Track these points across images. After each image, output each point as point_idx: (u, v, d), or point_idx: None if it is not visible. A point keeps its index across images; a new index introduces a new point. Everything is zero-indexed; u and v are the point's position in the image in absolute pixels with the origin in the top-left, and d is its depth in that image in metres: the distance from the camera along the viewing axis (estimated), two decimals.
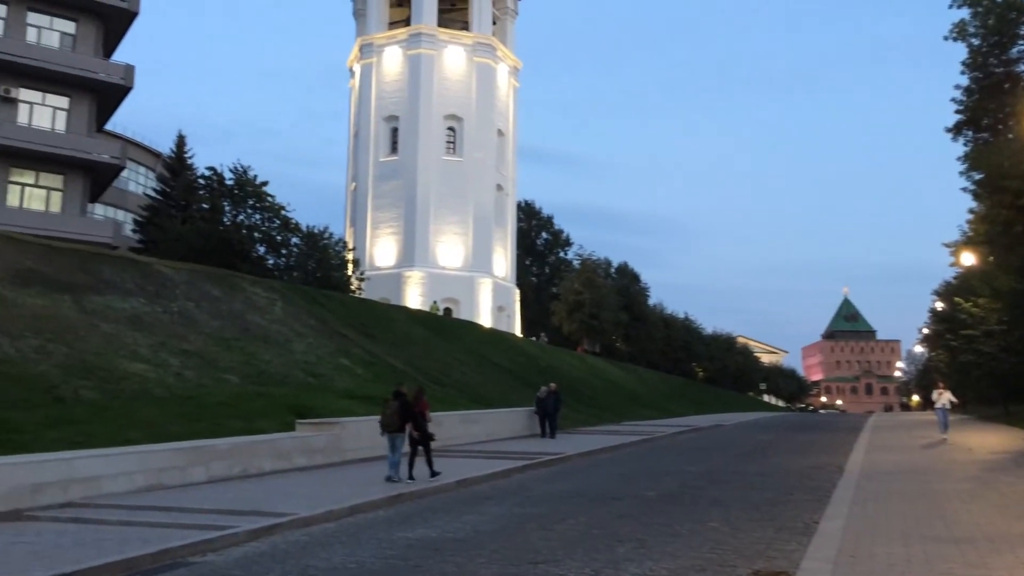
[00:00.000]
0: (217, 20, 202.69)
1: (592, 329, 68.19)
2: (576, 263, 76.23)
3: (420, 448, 16.24)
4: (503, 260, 65.08)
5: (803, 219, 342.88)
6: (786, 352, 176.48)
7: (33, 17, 36.88)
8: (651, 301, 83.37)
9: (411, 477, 15.72)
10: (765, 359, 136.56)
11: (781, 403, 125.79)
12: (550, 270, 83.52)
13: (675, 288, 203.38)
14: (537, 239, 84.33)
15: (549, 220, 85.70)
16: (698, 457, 22.00)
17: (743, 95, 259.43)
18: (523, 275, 74.09)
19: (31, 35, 36.80)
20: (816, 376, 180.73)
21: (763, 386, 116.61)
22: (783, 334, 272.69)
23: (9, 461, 12.44)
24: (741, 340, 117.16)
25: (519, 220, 74.12)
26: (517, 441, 25.94)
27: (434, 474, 15.88)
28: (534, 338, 68.75)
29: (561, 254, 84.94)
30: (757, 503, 13.23)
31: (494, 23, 66.86)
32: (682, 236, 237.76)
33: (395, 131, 63.26)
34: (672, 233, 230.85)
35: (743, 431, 35.06)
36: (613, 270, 79.66)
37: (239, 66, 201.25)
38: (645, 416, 45.23)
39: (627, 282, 78.30)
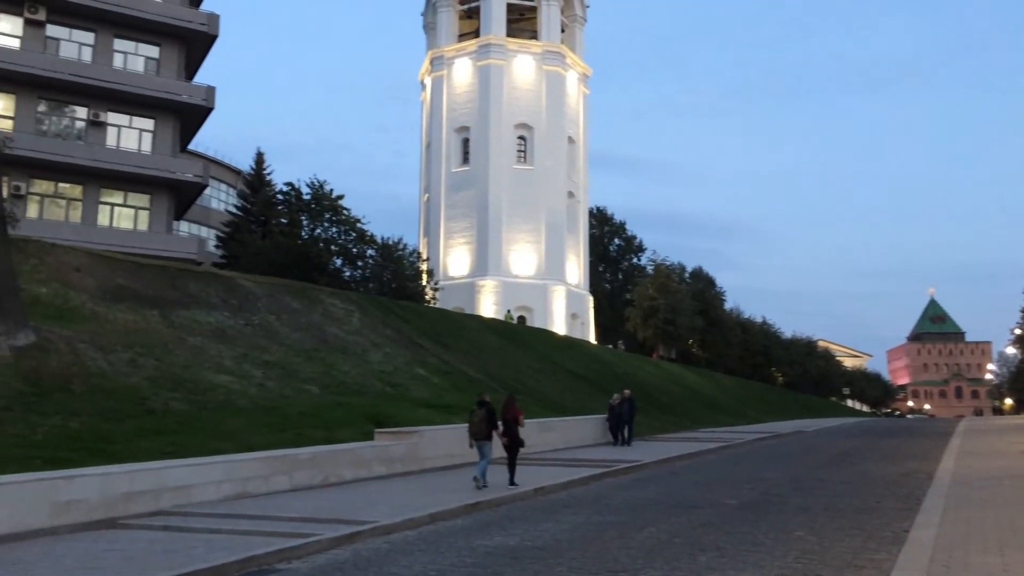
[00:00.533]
0: (292, 39, 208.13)
1: (667, 335, 67.44)
2: (650, 269, 75.57)
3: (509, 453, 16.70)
4: (576, 267, 64.95)
5: (883, 219, 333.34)
6: (870, 356, 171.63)
7: (120, 44, 38.46)
8: (727, 306, 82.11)
9: (512, 483, 16.09)
10: (848, 363, 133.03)
11: (865, 408, 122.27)
12: (623, 276, 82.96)
13: (752, 292, 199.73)
14: (610, 245, 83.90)
15: (621, 226, 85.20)
16: (780, 464, 21.53)
17: (817, 94, 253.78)
18: (596, 282, 73.78)
19: (118, 61, 38.38)
20: (902, 380, 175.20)
21: (846, 391, 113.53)
22: (866, 337, 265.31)
23: (104, 471, 12.93)
24: (822, 344, 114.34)
25: (591, 227, 73.87)
26: (593, 449, 25.82)
27: (512, 484, 16.10)
28: (613, 347, 68.29)
29: (634, 260, 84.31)
30: (843, 511, 12.88)
31: (563, 31, 66.93)
32: (758, 239, 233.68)
33: (466, 142, 63.83)
34: (747, 236, 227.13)
35: (826, 437, 34.18)
36: (687, 275, 78.70)
37: (313, 83, 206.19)
38: (723, 423, 44.49)
39: (702, 287, 77.25)
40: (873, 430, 40.38)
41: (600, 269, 79.69)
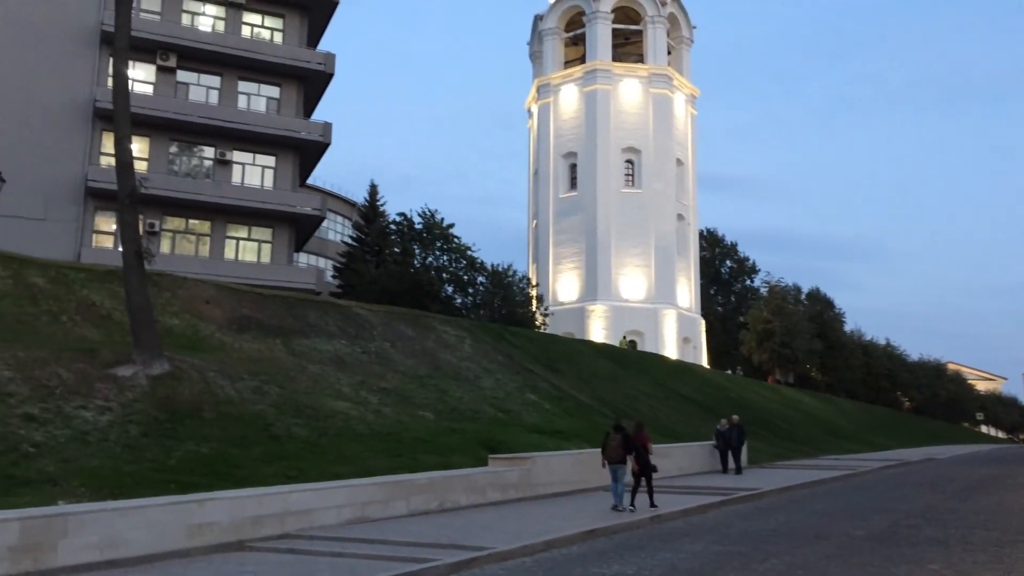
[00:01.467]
0: (402, 73, 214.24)
1: (784, 358, 65.50)
2: (763, 291, 73.71)
3: (642, 480, 17.11)
4: (687, 290, 64.01)
5: (1016, 232, 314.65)
6: (1004, 379, 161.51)
7: (243, 86, 40.50)
8: (847, 327, 79.15)
9: (632, 506, 16.60)
10: (981, 386, 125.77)
11: (1001, 435, 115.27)
12: (736, 299, 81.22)
13: (873, 313, 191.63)
14: (721, 268, 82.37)
15: (733, 248, 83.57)
16: (910, 493, 20.54)
17: (936, 105, 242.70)
18: (708, 305, 72.46)
19: (242, 102, 40.39)
20: None
21: (980, 416, 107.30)
22: (1001, 359, 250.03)
23: (233, 495, 13.50)
24: (952, 367, 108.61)
25: (702, 249, 72.75)
26: (707, 476, 25.26)
27: (653, 505, 16.72)
28: (727, 371, 66.84)
29: (747, 282, 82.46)
30: (982, 544, 12.18)
31: (669, 53, 66.56)
32: (878, 258, 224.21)
33: (573, 167, 64.08)
34: (866, 255, 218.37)
35: (959, 465, 32.40)
36: (804, 296, 76.37)
37: (422, 116, 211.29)
38: (847, 449, 42.77)
39: (820, 308, 74.79)
40: (1012, 457, 38.03)
41: (712, 292, 78.27)
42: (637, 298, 60.62)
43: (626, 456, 16.75)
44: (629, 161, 63.02)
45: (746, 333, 67.49)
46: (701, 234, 73.44)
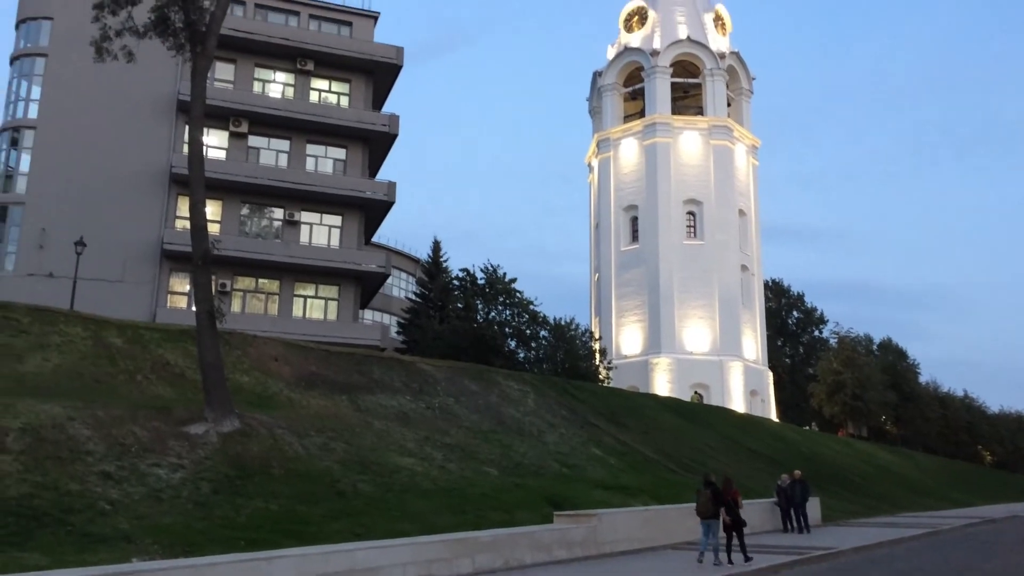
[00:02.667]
0: (462, 130, 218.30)
1: (856, 411, 63.71)
2: (833, 341, 72.12)
3: (733, 534, 17.27)
4: (753, 342, 62.98)
5: None
6: None
7: (311, 148, 41.88)
8: (922, 379, 76.74)
9: (730, 561, 16.80)
10: None
11: None
12: (804, 350, 79.57)
13: (949, 364, 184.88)
14: (788, 318, 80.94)
15: (799, 298, 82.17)
16: (997, 552, 19.66)
17: (1007, 152, 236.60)
18: (775, 357, 71.10)
19: (309, 164, 41.72)
20: None
21: None
22: None
23: (301, 552, 13.64)
24: None
25: (767, 300, 71.69)
26: (776, 535, 24.54)
27: (748, 559, 16.84)
28: (799, 425, 65.23)
29: (815, 333, 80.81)
30: None
31: (729, 104, 66.62)
32: (951, 307, 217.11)
33: (634, 220, 64.13)
34: (939, 304, 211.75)
35: None
36: (875, 347, 74.49)
37: (483, 172, 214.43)
38: (925, 506, 41.17)
39: (892, 359, 72.78)
40: None
41: (779, 343, 76.84)
42: (702, 350, 59.85)
43: (718, 511, 17.03)
44: (691, 213, 62.83)
45: (816, 385, 65.93)
46: (766, 284, 72.46)
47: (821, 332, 79.98)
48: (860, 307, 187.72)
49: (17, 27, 40.34)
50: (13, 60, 39.93)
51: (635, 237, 63.77)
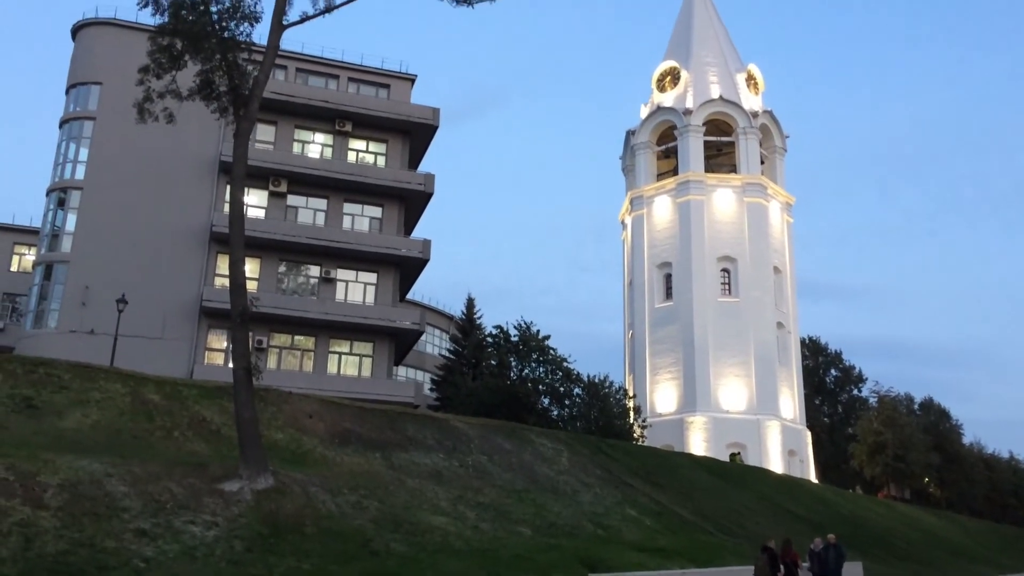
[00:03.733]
0: (496, 187, 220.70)
1: (898, 472, 62.17)
2: (872, 401, 70.79)
3: None
4: (790, 401, 62.00)
5: None
6: None
7: (348, 207, 42.59)
8: (966, 440, 74.86)
9: None
10: None
11: None
12: (843, 409, 78.11)
13: (994, 424, 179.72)
14: (826, 377, 79.70)
15: (837, 356, 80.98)
16: None
17: None
18: (813, 416, 69.85)
19: (346, 222, 42.37)
20: None
21: None
22: None
23: None
24: None
25: (804, 358, 70.72)
26: None
27: None
28: (839, 487, 63.74)
29: (854, 392, 79.37)
30: None
31: (762, 162, 66.75)
32: (993, 365, 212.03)
33: (668, 277, 63.97)
34: (981, 363, 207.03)
35: None
36: (916, 406, 72.96)
37: (516, 230, 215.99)
38: (973, 572, 39.84)
39: (934, 419, 71.20)
40: None
41: (817, 402, 75.55)
42: (738, 409, 59.02)
43: (775, 575, 17.45)
44: (725, 270, 62.58)
45: (856, 446, 64.57)
46: (803, 342, 71.57)
47: (860, 391, 78.59)
48: (899, 366, 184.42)
49: (68, 92, 41.81)
50: (63, 123, 41.31)
51: (669, 294, 63.53)
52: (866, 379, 79.27)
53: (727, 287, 62.35)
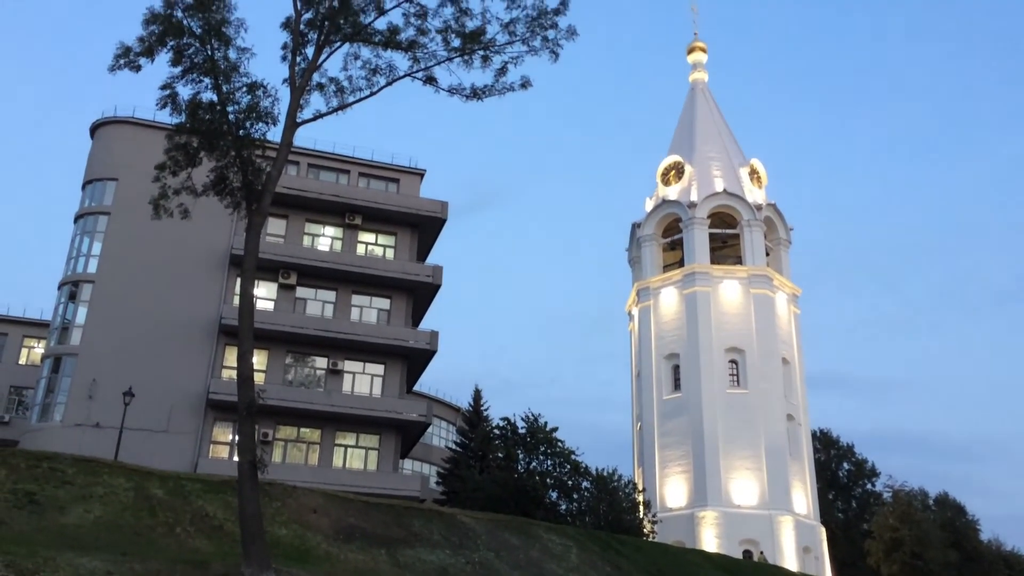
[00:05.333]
0: (502, 278, 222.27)
1: (916, 571, 60.25)
2: (887, 496, 69.22)
3: None
4: (803, 495, 60.83)
5: None
6: None
7: (356, 299, 42.91)
8: (984, 536, 72.77)
9: None
10: None
11: None
12: (858, 504, 76.42)
13: (1011, 520, 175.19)
14: (838, 471, 78.23)
15: (849, 449, 79.67)
16: None
17: None
18: (828, 511, 68.34)
19: (354, 314, 42.59)
20: None
21: None
22: None
23: None
24: None
25: (816, 451, 69.66)
26: None
27: None
28: None
29: (868, 486, 77.73)
30: None
31: (767, 254, 67.28)
32: (1007, 459, 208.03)
33: (676, 368, 63.69)
34: (994, 456, 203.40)
35: None
36: (931, 501, 71.25)
37: (522, 321, 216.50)
38: None
39: (951, 515, 69.41)
40: None
41: (830, 497, 73.99)
42: (750, 504, 57.87)
43: None
44: (733, 361, 62.32)
45: (872, 543, 62.80)
46: (814, 435, 70.62)
47: (874, 485, 76.93)
48: (911, 459, 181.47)
49: (84, 187, 42.74)
50: (78, 218, 42.09)
51: (677, 386, 63.14)
52: (879, 473, 77.64)
53: (735, 378, 61.98)
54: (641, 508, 46.98)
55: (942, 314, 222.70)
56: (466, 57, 24.23)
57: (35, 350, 49.28)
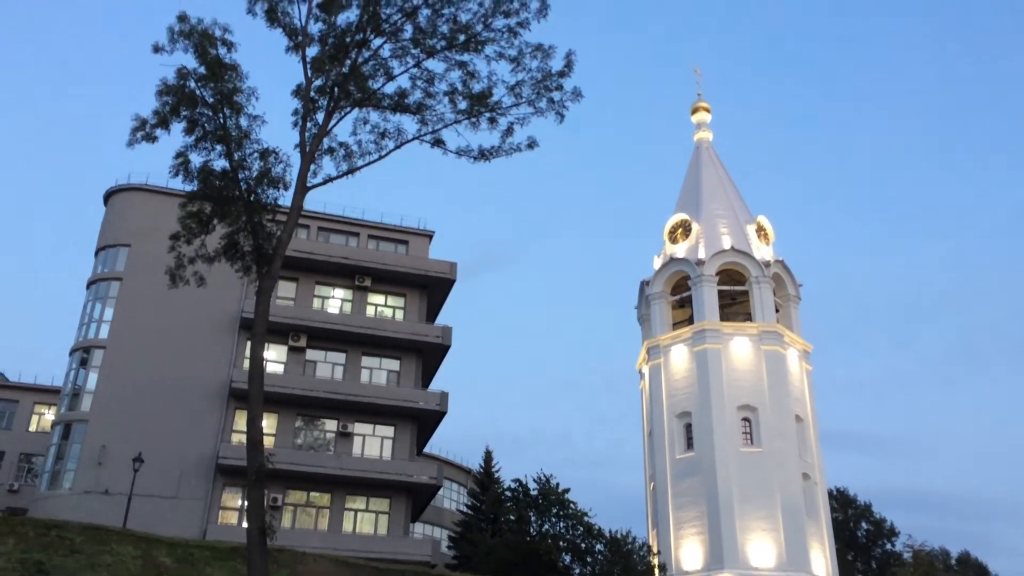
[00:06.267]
0: (511, 339, 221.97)
1: None
2: (907, 556, 67.80)
3: None
4: (821, 556, 59.54)
5: None
6: None
7: (366, 361, 42.87)
8: None
9: None
10: None
11: None
12: (878, 565, 74.73)
13: None
14: (857, 530, 76.72)
15: (867, 508, 78.27)
16: None
17: None
18: (847, 572, 66.88)
19: (364, 376, 42.52)
20: None
21: None
22: None
23: None
24: None
25: (833, 510, 68.39)
26: None
27: None
28: None
29: (887, 546, 76.18)
30: None
31: (777, 310, 67.10)
32: None
33: (688, 427, 63.02)
34: (1014, 514, 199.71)
35: None
36: (953, 561, 69.86)
37: (532, 380, 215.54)
38: None
39: (973, 575, 67.97)
40: None
41: (849, 558, 72.45)
42: (767, 565, 56.60)
43: None
44: (746, 419, 61.66)
45: None
46: (830, 494, 69.41)
47: (894, 545, 75.30)
48: (930, 517, 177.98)
49: (97, 253, 43.18)
50: (90, 284, 42.44)
51: (690, 444, 62.38)
52: (899, 532, 76.10)
53: (749, 437, 61.23)
54: (656, 571, 46.10)
55: (955, 369, 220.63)
56: (473, 119, 24.65)
57: (45, 416, 49.25)
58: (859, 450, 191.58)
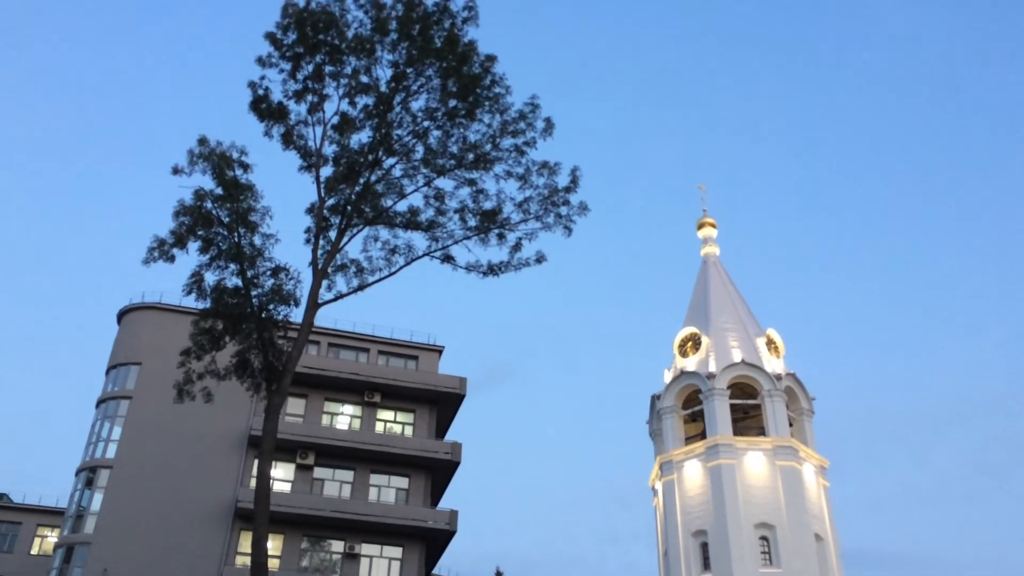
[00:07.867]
0: (521, 456, 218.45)
1: None
2: None
3: None
4: None
5: None
6: None
7: (375, 478, 42.13)
8: None
9: None
10: None
11: None
12: None
13: None
14: None
15: None
16: None
17: None
18: None
19: (372, 494, 41.71)
20: None
21: None
22: None
23: None
24: None
25: None
26: None
27: None
28: None
29: None
30: None
31: (791, 424, 66.14)
32: None
33: (704, 546, 61.17)
34: None
35: None
36: None
37: (541, 497, 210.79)
38: None
39: None
40: None
41: None
42: None
43: None
44: (763, 538, 59.87)
45: None
46: None
47: None
48: None
49: (107, 372, 43.21)
50: (99, 403, 42.29)
51: (707, 565, 60.36)
52: None
53: (767, 557, 59.31)
54: None
55: (972, 485, 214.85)
56: (482, 235, 25.11)
57: (48, 539, 48.17)
58: (881, 569, 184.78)
